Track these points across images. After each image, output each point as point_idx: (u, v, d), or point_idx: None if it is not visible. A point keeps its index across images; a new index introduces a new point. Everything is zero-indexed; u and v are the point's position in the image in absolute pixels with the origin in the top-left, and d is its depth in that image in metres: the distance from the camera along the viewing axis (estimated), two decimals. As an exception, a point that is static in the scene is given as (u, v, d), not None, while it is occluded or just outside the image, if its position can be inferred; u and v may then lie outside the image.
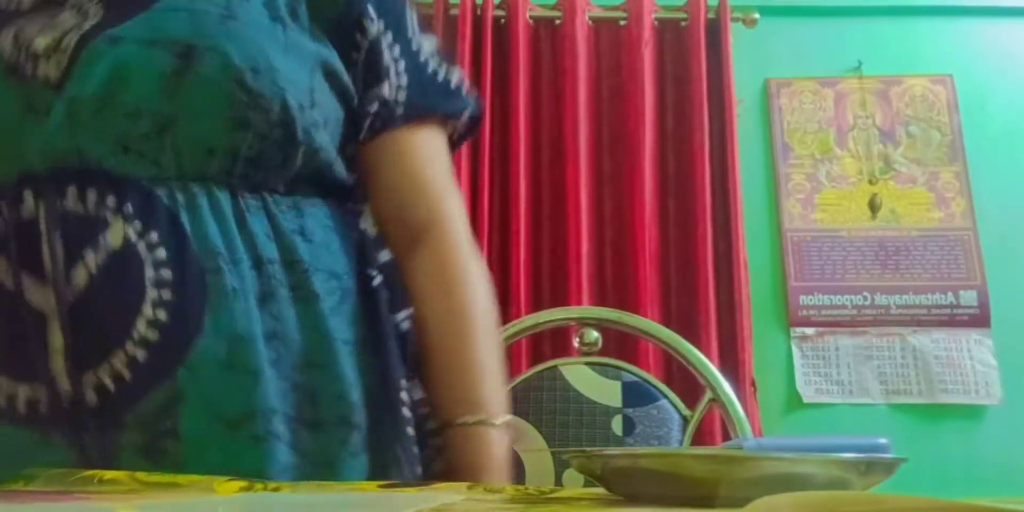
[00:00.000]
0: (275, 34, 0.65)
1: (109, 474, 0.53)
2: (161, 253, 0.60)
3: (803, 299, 2.14)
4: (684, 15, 2.23)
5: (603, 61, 2.24)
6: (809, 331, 2.12)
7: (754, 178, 2.21)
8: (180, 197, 0.61)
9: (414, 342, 0.71)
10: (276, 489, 0.50)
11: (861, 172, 2.23)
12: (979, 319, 2.11)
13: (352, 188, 0.72)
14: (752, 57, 2.28)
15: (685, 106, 2.18)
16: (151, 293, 0.59)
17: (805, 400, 2.07)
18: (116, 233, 0.60)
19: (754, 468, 0.41)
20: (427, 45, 0.76)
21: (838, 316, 2.12)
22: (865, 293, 2.14)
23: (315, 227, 0.67)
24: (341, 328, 0.65)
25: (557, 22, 2.24)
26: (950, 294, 2.13)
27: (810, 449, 0.42)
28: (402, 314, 0.71)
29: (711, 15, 2.23)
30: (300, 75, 0.65)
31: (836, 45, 2.33)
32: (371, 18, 0.71)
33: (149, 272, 0.60)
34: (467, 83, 0.78)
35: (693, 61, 2.18)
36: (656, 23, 2.24)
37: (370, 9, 0.71)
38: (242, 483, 0.51)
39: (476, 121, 0.79)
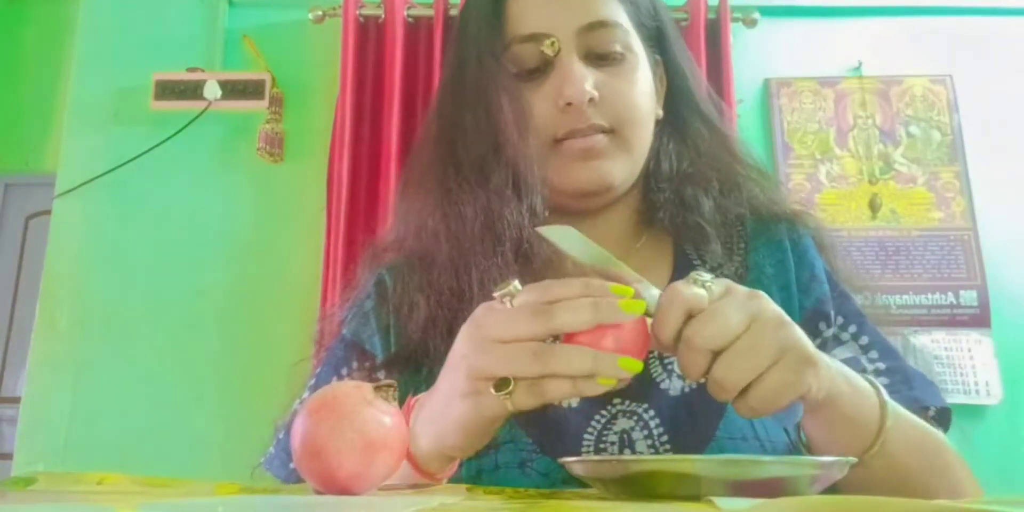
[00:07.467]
0: None
1: (109, 474, 0.53)
2: None
3: (803, 299, 2.13)
4: (684, 15, 2.23)
5: (603, 61, 2.23)
6: (809, 331, 2.11)
7: (754, 178, 2.20)
8: None
9: None
10: (275, 491, 0.50)
11: (861, 172, 2.23)
12: (979, 319, 2.11)
13: None
14: (752, 57, 2.28)
15: (685, 106, 2.18)
16: None
17: (805, 400, 2.07)
18: None
19: (749, 470, 0.41)
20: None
21: (838, 316, 2.12)
22: (865, 293, 2.14)
23: None
24: None
25: (557, 22, 2.23)
26: (950, 294, 2.13)
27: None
28: None
29: (711, 15, 2.23)
30: None
31: (836, 45, 2.33)
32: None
33: None
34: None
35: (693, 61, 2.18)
36: (656, 23, 2.24)
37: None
38: (242, 484, 0.51)
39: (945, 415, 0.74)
